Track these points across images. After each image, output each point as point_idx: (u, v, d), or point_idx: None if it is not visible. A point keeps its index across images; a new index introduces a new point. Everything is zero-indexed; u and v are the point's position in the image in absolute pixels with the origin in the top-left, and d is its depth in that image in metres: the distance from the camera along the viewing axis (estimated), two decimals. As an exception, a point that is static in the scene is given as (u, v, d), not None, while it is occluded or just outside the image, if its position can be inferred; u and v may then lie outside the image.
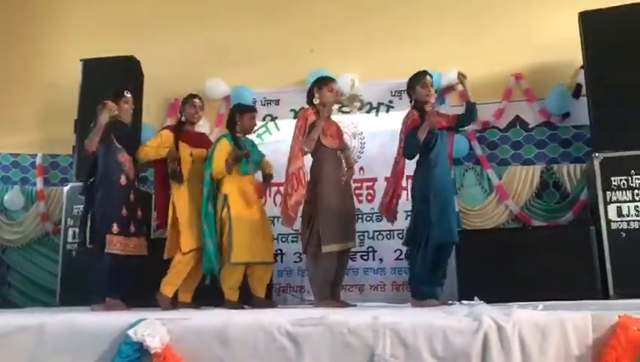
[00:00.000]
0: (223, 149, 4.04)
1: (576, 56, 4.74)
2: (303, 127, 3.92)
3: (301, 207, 3.98)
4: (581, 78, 4.91)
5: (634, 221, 4.23)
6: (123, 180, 4.04)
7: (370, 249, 5.10)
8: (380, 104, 5.43)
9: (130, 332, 2.33)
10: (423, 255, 3.57)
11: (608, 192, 4.31)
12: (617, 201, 4.29)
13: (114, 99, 4.15)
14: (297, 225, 4.14)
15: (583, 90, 4.87)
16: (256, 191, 4.21)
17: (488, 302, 3.38)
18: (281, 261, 5.16)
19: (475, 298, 3.62)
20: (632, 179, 4.29)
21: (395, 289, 4.98)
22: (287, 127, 5.14)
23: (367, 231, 5.11)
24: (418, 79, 3.81)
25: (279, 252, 5.15)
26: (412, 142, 3.64)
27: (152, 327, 2.33)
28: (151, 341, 2.27)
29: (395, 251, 5.04)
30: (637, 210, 4.24)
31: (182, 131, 4.25)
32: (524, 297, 3.35)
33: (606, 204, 4.29)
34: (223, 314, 3.05)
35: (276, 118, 5.58)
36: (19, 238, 5.69)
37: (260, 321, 2.35)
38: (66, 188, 5.22)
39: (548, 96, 5.16)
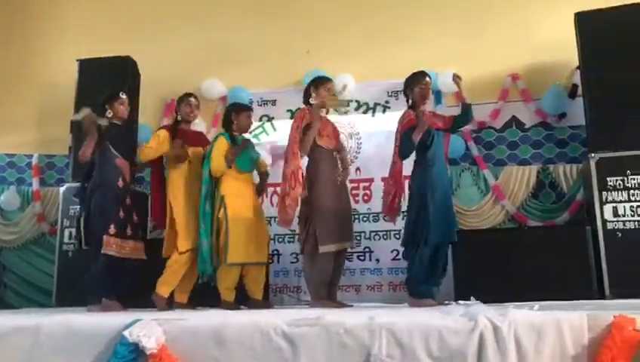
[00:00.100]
0: (221, 147, 4.04)
1: (572, 57, 4.76)
2: (300, 127, 3.92)
3: (298, 208, 3.98)
4: (577, 79, 4.93)
5: (630, 221, 4.24)
6: (120, 182, 4.04)
7: (367, 249, 5.10)
8: (376, 104, 5.43)
9: (126, 332, 2.32)
10: (421, 254, 3.57)
11: (604, 192, 4.32)
12: (613, 201, 4.29)
13: (109, 101, 4.15)
14: (294, 225, 4.15)
15: (579, 91, 4.87)
16: (256, 191, 4.21)
17: (485, 302, 3.38)
18: (278, 261, 5.16)
19: (472, 298, 3.63)
20: (627, 179, 4.30)
21: (392, 289, 4.98)
22: (283, 128, 5.15)
23: (364, 232, 5.11)
24: (417, 80, 3.80)
25: (276, 252, 5.15)
26: (407, 143, 3.65)
27: (148, 328, 2.33)
28: (147, 341, 2.27)
29: (392, 251, 5.05)
30: (633, 210, 4.25)
31: (178, 130, 4.24)
32: (520, 297, 3.36)
33: (602, 204, 4.30)
34: (219, 314, 3.05)
35: (273, 118, 5.58)
36: (15, 239, 5.67)
37: (256, 322, 2.35)
38: (62, 189, 5.21)
39: (544, 96, 5.17)
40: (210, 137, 4.62)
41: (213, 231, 4.00)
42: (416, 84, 3.80)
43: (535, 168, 5.08)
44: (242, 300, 4.04)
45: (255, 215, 4.08)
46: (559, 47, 4.94)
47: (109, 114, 4.13)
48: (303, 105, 4.21)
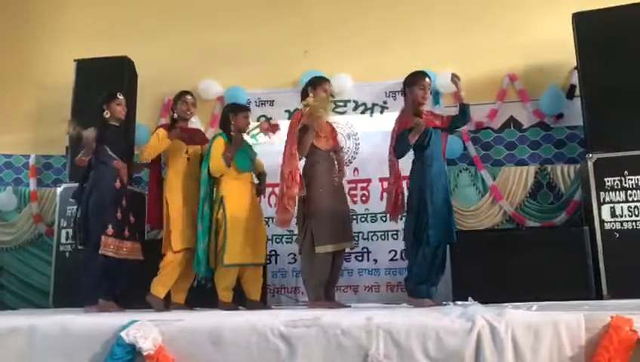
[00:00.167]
0: (219, 147, 4.03)
1: (569, 57, 4.75)
2: (296, 128, 3.90)
3: (296, 209, 3.97)
4: (575, 79, 4.94)
5: (627, 221, 4.24)
6: (117, 183, 4.03)
7: (365, 250, 5.10)
8: (374, 105, 5.43)
9: (123, 333, 2.32)
10: (422, 254, 3.56)
11: (602, 193, 4.31)
12: (611, 202, 4.29)
13: (107, 101, 4.14)
14: (292, 225, 4.14)
15: (577, 91, 4.88)
16: (256, 191, 4.20)
17: (482, 302, 3.39)
18: (276, 262, 5.15)
19: (469, 298, 3.63)
20: (625, 179, 4.30)
21: (390, 289, 4.98)
22: (281, 128, 5.13)
23: (362, 232, 5.10)
24: (417, 80, 3.79)
25: (273, 253, 5.14)
26: (403, 143, 3.64)
27: (145, 329, 2.33)
28: (143, 342, 2.26)
29: (390, 252, 5.05)
30: (630, 211, 4.25)
31: (176, 128, 4.23)
32: (518, 297, 3.36)
33: (599, 204, 4.30)
34: (216, 315, 3.04)
35: (270, 118, 5.56)
36: (12, 239, 5.65)
37: (252, 322, 2.34)
38: (59, 189, 5.19)
39: (542, 96, 5.17)
40: (207, 137, 4.62)
41: (212, 232, 3.99)
42: (415, 84, 3.79)
43: (533, 168, 5.09)
44: (240, 301, 4.03)
45: (254, 215, 4.07)
46: (557, 47, 4.94)
47: (107, 114, 4.13)
48: (300, 105, 4.20)
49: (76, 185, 4.29)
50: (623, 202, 4.27)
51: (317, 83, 4.06)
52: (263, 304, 4.15)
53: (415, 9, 5.58)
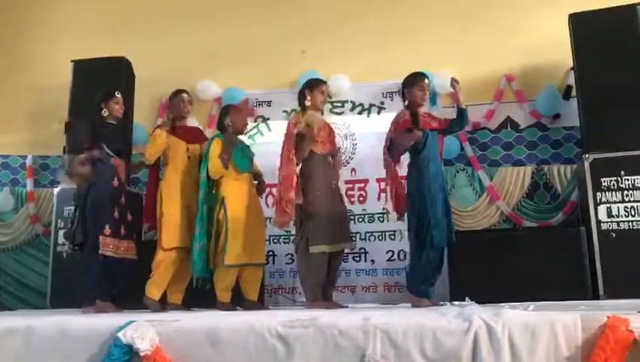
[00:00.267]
0: (217, 149, 4.02)
1: (566, 58, 4.77)
2: (291, 135, 3.90)
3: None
4: (571, 80, 4.95)
5: (624, 221, 4.25)
6: (115, 182, 4.03)
7: (362, 250, 5.10)
8: (371, 105, 5.44)
9: (120, 334, 2.32)
10: (427, 256, 3.56)
11: (598, 193, 4.33)
12: (607, 202, 4.31)
13: (105, 100, 4.14)
14: (289, 226, 4.13)
15: (574, 92, 4.89)
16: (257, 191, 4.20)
17: (479, 302, 3.40)
18: (273, 262, 5.15)
19: (467, 299, 3.64)
20: (621, 179, 4.31)
21: (387, 290, 4.98)
22: (278, 129, 5.13)
23: (359, 233, 5.11)
24: (416, 81, 3.78)
25: (271, 253, 5.14)
26: (398, 146, 3.65)
27: (142, 329, 2.33)
28: (140, 343, 2.26)
29: (387, 252, 5.05)
30: (627, 211, 4.26)
31: (174, 127, 4.23)
32: (515, 298, 3.37)
33: (596, 204, 4.31)
34: (213, 315, 3.03)
35: (268, 119, 5.58)
36: (9, 240, 5.65)
37: (250, 323, 2.35)
38: (56, 190, 5.19)
39: (538, 97, 5.18)
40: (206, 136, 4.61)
41: (213, 232, 3.99)
42: (414, 85, 3.78)
43: (530, 169, 5.10)
44: (238, 301, 4.03)
45: (254, 216, 4.06)
46: (553, 48, 4.96)
47: (105, 112, 4.12)
48: (298, 107, 4.20)
49: (74, 186, 4.29)
50: (619, 202, 4.28)
51: (314, 85, 4.06)
52: (260, 304, 4.15)
53: (413, 9, 5.58)
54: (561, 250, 4.19)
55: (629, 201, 4.27)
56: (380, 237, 5.10)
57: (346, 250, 4.11)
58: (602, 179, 4.33)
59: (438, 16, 5.52)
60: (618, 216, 4.27)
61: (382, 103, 5.41)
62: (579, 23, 4.60)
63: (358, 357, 2.19)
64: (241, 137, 4.31)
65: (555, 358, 2.07)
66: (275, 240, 5.14)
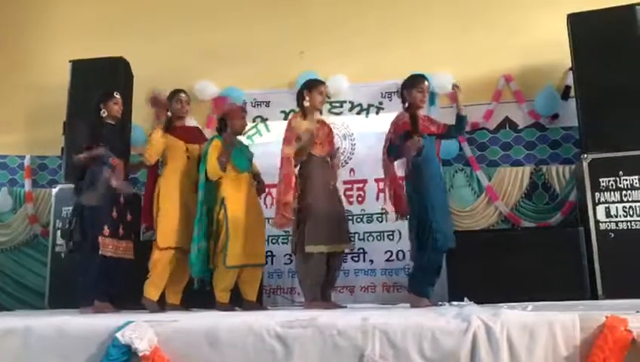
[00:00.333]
0: (215, 150, 4.02)
1: (564, 58, 4.77)
2: (291, 137, 3.90)
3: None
4: (570, 80, 4.95)
5: (622, 222, 4.26)
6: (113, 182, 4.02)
7: (361, 250, 5.10)
8: (370, 105, 5.44)
9: (118, 334, 2.32)
10: (429, 258, 3.56)
11: (597, 193, 4.33)
12: (606, 202, 4.31)
13: (104, 100, 4.14)
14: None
15: (572, 92, 4.90)
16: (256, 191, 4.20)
17: (478, 302, 3.40)
18: (272, 263, 5.14)
19: (465, 299, 3.64)
20: (620, 179, 4.32)
21: (386, 290, 4.98)
22: (277, 129, 5.14)
23: (358, 233, 5.10)
24: (415, 83, 3.77)
25: (269, 254, 5.13)
26: (397, 149, 3.65)
27: (140, 330, 2.33)
28: (139, 343, 2.26)
29: (386, 252, 5.05)
30: (625, 211, 4.27)
31: (172, 127, 4.23)
32: (513, 298, 3.37)
33: (594, 204, 4.32)
34: (212, 316, 3.03)
35: (266, 119, 5.57)
36: (7, 240, 5.64)
37: (249, 323, 2.34)
38: (54, 190, 5.18)
39: (537, 97, 5.19)
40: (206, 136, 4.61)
41: (212, 233, 3.98)
42: (414, 87, 3.77)
43: (528, 169, 5.10)
44: (236, 302, 4.03)
45: (254, 216, 4.06)
46: (552, 48, 4.96)
47: (104, 113, 4.12)
48: (296, 106, 4.20)
49: (72, 185, 4.28)
50: (617, 202, 4.29)
51: (312, 85, 4.06)
52: (259, 305, 4.15)
53: (411, 10, 5.58)
54: (560, 250, 4.19)
55: (628, 201, 4.27)
56: (379, 238, 5.10)
57: (345, 251, 4.11)
58: (601, 179, 4.34)
59: (438, 16, 5.51)
60: (616, 216, 4.27)
61: (380, 103, 5.41)
62: (577, 23, 4.61)
63: (357, 358, 2.19)
64: (239, 137, 4.31)
65: (554, 358, 2.07)
66: (273, 241, 5.14)
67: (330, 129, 4.24)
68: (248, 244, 3.94)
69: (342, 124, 5.40)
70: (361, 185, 5.24)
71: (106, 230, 3.90)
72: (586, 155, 4.41)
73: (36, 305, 5.23)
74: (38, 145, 5.86)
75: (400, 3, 5.65)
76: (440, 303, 3.72)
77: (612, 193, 4.31)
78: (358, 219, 5.17)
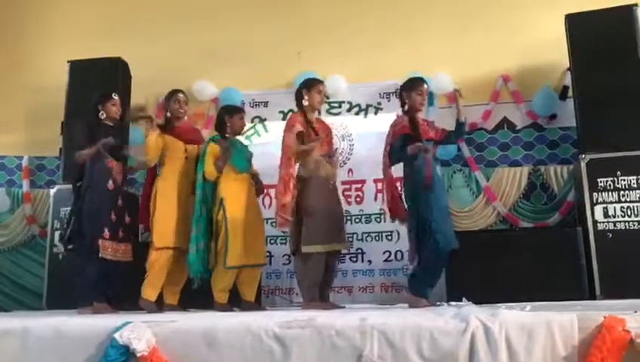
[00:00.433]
0: (214, 151, 4.03)
1: (562, 58, 4.78)
2: (292, 137, 3.89)
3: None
4: (568, 80, 4.95)
5: (620, 222, 4.27)
6: (111, 185, 4.02)
7: (359, 251, 5.10)
8: (368, 106, 5.43)
9: (117, 335, 2.32)
10: (429, 259, 3.56)
11: (595, 193, 4.34)
12: (604, 202, 4.32)
13: (102, 101, 4.14)
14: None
15: (570, 92, 4.90)
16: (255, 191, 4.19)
17: (476, 303, 3.40)
18: (270, 263, 5.13)
19: (464, 299, 3.64)
20: (618, 180, 4.32)
21: (384, 290, 4.98)
22: (275, 129, 5.14)
23: (356, 233, 5.10)
24: (415, 86, 3.77)
25: (268, 254, 5.12)
26: (397, 151, 3.65)
27: (138, 330, 2.33)
28: (137, 344, 2.26)
29: (384, 253, 5.05)
30: (623, 211, 4.27)
31: (171, 128, 4.23)
32: (512, 298, 3.37)
33: (593, 204, 4.32)
34: (210, 316, 3.03)
35: (265, 119, 5.57)
36: (5, 241, 5.62)
37: (247, 323, 2.34)
38: (52, 191, 5.17)
39: (535, 97, 5.19)
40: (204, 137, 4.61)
41: (211, 234, 3.98)
42: (413, 90, 3.77)
43: (526, 169, 5.10)
44: (235, 302, 4.03)
45: (253, 216, 4.06)
46: (550, 48, 4.96)
47: (102, 115, 4.12)
48: (295, 107, 4.20)
49: (70, 186, 4.27)
50: (615, 202, 4.30)
51: (311, 85, 4.06)
52: (257, 305, 4.14)
53: (409, 10, 5.58)
54: (558, 250, 4.20)
55: (626, 202, 4.28)
56: (377, 238, 5.10)
57: (343, 251, 4.11)
58: (599, 180, 4.34)
59: (435, 17, 5.51)
60: (614, 217, 4.28)
61: (379, 104, 5.41)
62: (575, 23, 4.61)
63: (355, 358, 2.19)
64: (239, 138, 4.32)
65: (552, 358, 2.08)
66: (272, 241, 5.13)
67: (329, 131, 4.24)
68: (248, 244, 3.94)
69: (340, 125, 5.39)
70: (359, 185, 5.24)
71: (106, 233, 3.89)
72: (584, 155, 4.42)
73: (34, 305, 5.22)
74: (36, 145, 5.85)
75: (399, 3, 5.65)
76: (438, 303, 3.72)
77: (610, 193, 4.32)
78: (357, 220, 5.17)
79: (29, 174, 5.83)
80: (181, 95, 4.29)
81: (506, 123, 5.29)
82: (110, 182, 4.01)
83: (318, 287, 3.83)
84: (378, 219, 5.10)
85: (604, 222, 4.28)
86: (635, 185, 4.28)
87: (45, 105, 5.68)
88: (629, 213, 4.25)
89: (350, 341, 2.21)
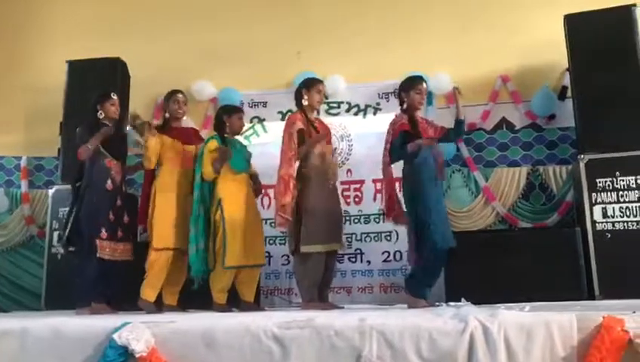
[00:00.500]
0: (212, 152, 4.02)
1: (561, 59, 4.78)
2: (292, 135, 3.89)
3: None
4: (566, 80, 4.95)
5: (619, 222, 4.27)
6: (109, 185, 4.02)
7: (358, 251, 5.10)
8: (367, 106, 5.43)
9: (115, 336, 2.32)
10: (428, 259, 3.56)
11: (593, 193, 4.34)
12: (602, 203, 4.32)
13: (101, 101, 4.13)
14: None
15: (569, 92, 4.90)
16: (253, 191, 4.19)
17: (475, 303, 3.40)
18: (269, 263, 5.12)
19: (462, 299, 3.64)
20: (616, 180, 4.32)
21: (383, 291, 4.98)
22: (274, 129, 5.14)
23: (355, 234, 5.10)
24: (414, 84, 3.77)
25: (267, 254, 5.11)
26: (397, 150, 3.65)
27: (137, 331, 2.33)
28: (136, 344, 2.26)
29: (383, 253, 5.05)
30: (622, 211, 4.28)
31: (169, 128, 4.22)
32: (511, 298, 3.37)
33: (591, 205, 4.33)
34: (209, 317, 3.03)
35: (264, 120, 5.56)
36: (3, 241, 5.61)
37: (246, 324, 2.34)
38: (51, 191, 5.17)
39: (534, 98, 5.19)
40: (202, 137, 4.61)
41: (210, 234, 3.98)
42: (412, 89, 3.78)
43: (525, 169, 5.11)
44: (233, 302, 4.02)
45: (252, 216, 4.06)
46: (549, 49, 4.96)
47: (101, 114, 4.12)
48: (294, 107, 4.20)
49: (69, 186, 4.27)
50: (614, 203, 4.30)
51: (311, 84, 4.06)
52: (256, 305, 4.14)
53: (408, 10, 5.57)
54: (557, 250, 4.20)
55: (624, 202, 4.28)
56: (376, 238, 5.10)
57: (342, 251, 4.11)
58: (597, 180, 4.34)
59: (434, 17, 5.51)
60: (613, 217, 4.28)
61: (378, 104, 5.41)
62: (574, 23, 4.61)
63: (354, 358, 2.19)
64: (238, 138, 4.31)
65: (551, 358, 2.08)
66: (271, 242, 5.12)
67: (328, 130, 4.24)
68: (247, 245, 3.94)
69: (339, 125, 5.39)
70: (358, 185, 5.23)
71: (104, 233, 3.89)
72: (582, 156, 4.42)
73: (32, 306, 5.21)
74: (34, 146, 5.84)
75: (399, 3, 5.65)
76: (437, 304, 3.72)
77: (609, 193, 4.32)
78: (356, 220, 5.16)
79: (27, 174, 5.82)
80: (180, 95, 4.29)
81: (504, 123, 5.29)
82: (109, 181, 4.01)
83: (317, 288, 3.83)
84: (377, 220, 5.09)
85: (602, 223, 4.29)
86: (634, 186, 4.28)
87: (44, 106, 5.68)
88: (628, 213, 4.26)
89: (349, 341, 2.21)
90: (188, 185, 4.10)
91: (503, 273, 4.05)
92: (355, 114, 5.45)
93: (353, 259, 5.10)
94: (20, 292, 5.51)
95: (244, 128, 4.44)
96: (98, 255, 3.83)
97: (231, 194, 4.00)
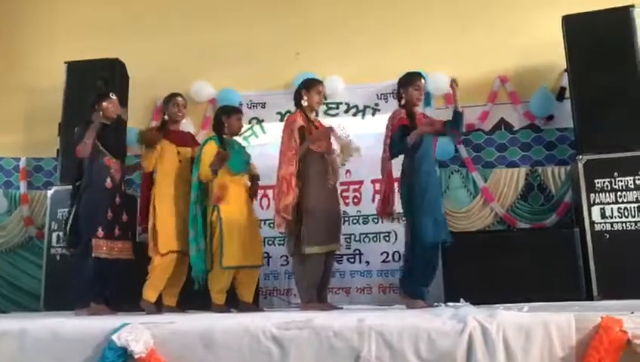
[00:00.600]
0: (210, 152, 4.03)
1: (560, 59, 4.78)
2: (293, 132, 3.89)
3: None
4: (565, 81, 4.96)
5: (617, 222, 4.27)
6: (109, 183, 4.02)
7: (357, 251, 5.10)
8: (366, 107, 5.44)
9: (114, 337, 2.32)
10: (416, 253, 3.56)
11: (592, 194, 4.35)
12: (601, 203, 4.33)
13: (99, 101, 4.14)
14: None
15: (567, 93, 4.91)
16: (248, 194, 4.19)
17: (474, 303, 3.40)
18: (268, 264, 5.13)
19: (461, 300, 3.64)
20: (615, 180, 4.33)
21: (382, 291, 4.98)
22: (273, 130, 5.14)
23: (354, 234, 5.11)
24: (412, 80, 3.79)
25: (266, 255, 5.12)
26: (398, 144, 3.66)
27: (136, 332, 2.32)
28: (135, 345, 2.26)
29: (382, 254, 5.05)
30: (620, 212, 4.28)
31: (167, 130, 4.23)
32: (509, 299, 3.37)
33: (590, 205, 4.33)
34: (208, 317, 3.03)
35: (262, 120, 5.57)
36: (2, 243, 5.62)
37: (245, 325, 2.34)
38: (50, 192, 5.17)
39: (532, 98, 5.20)
40: (199, 140, 4.61)
41: (207, 235, 3.98)
42: (410, 85, 3.79)
43: (524, 170, 5.11)
44: (232, 303, 4.02)
45: (248, 217, 4.07)
46: (547, 49, 4.97)
47: (100, 114, 4.11)
48: (293, 108, 4.20)
49: (68, 187, 4.27)
50: (612, 203, 4.30)
51: (310, 85, 4.07)
52: (255, 306, 4.14)
53: (407, 11, 5.59)
54: (555, 251, 4.20)
55: (623, 202, 4.29)
56: (375, 239, 5.11)
57: (340, 251, 4.11)
58: (596, 181, 4.35)
59: (433, 18, 5.52)
60: (611, 217, 4.29)
61: (376, 105, 5.41)
62: (572, 24, 4.62)
63: (353, 359, 2.19)
64: (236, 138, 4.31)
65: (550, 359, 2.08)
66: (269, 242, 5.13)
67: (331, 127, 4.23)
68: (244, 245, 3.94)
69: (338, 126, 5.37)
70: (357, 186, 5.24)
71: (100, 232, 3.89)
72: (581, 156, 4.43)
73: (31, 307, 5.22)
74: (33, 146, 5.84)
75: (399, 3, 5.66)
76: (436, 304, 3.73)
77: (607, 194, 4.33)
78: (354, 221, 5.17)
79: (26, 175, 5.82)
80: (180, 98, 4.30)
81: (503, 124, 5.30)
82: (108, 180, 4.01)
83: (315, 288, 3.83)
84: (376, 220, 5.08)
85: (601, 223, 4.29)
86: (632, 186, 4.29)
87: (43, 107, 5.68)
88: (626, 213, 4.26)
89: (348, 342, 2.21)
90: (185, 185, 4.10)
91: (501, 273, 4.05)
92: (354, 115, 5.46)
93: (352, 260, 5.10)
94: (18, 293, 5.52)
95: (243, 129, 4.43)
96: (94, 254, 3.83)
97: (228, 195, 4.00)
